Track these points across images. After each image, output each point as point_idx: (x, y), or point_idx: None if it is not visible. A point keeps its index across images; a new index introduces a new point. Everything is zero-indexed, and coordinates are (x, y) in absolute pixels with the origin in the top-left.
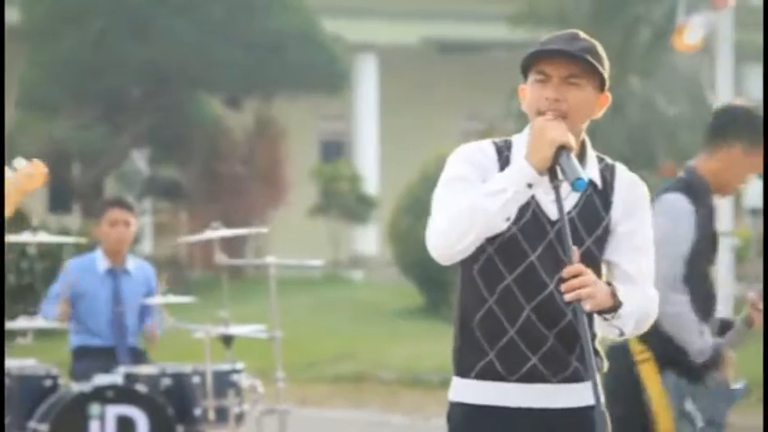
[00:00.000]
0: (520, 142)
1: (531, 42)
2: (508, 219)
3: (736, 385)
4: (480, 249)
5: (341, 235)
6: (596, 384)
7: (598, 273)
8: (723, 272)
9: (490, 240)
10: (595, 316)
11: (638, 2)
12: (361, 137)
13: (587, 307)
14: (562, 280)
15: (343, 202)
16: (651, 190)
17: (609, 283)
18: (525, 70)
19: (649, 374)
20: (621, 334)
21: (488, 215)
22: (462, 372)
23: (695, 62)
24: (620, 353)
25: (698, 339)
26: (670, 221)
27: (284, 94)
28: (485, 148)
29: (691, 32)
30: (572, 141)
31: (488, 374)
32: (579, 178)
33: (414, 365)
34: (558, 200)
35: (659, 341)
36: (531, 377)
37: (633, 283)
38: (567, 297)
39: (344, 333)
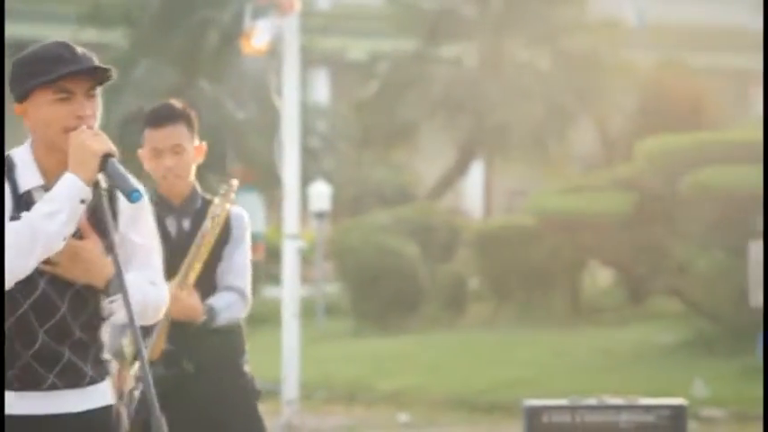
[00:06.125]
0: (22, 158)
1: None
2: (65, 238)
3: None
4: None
5: None
6: (150, 389)
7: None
8: (290, 274)
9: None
10: (107, 330)
11: (205, 5)
12: None
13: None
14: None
15: None
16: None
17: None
18: (29, 89)
19: None
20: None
21: (48, 237)
22: None
23: (263, 66)
24: (223, 359)
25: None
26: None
27: None
28: None
29: (258, 36)
30: (114, 148)
31: (14, 388)
32: (135, 190)
33: None
34: (108, 206)
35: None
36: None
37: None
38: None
39: None
